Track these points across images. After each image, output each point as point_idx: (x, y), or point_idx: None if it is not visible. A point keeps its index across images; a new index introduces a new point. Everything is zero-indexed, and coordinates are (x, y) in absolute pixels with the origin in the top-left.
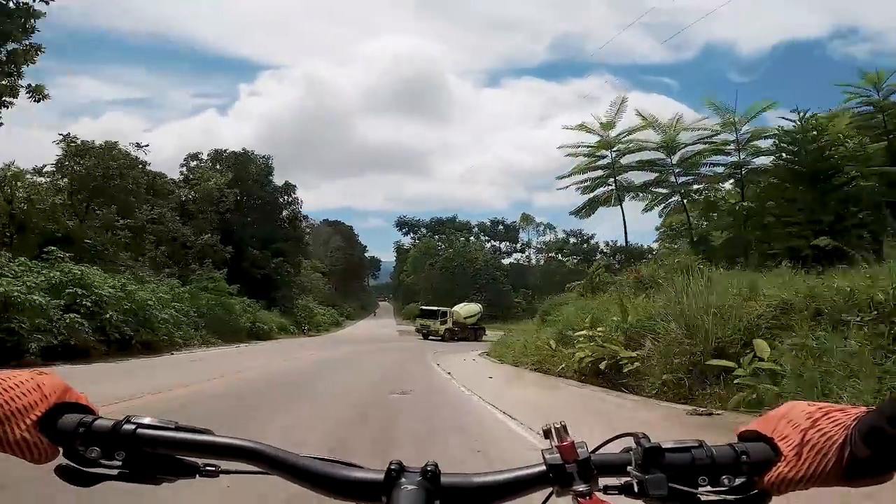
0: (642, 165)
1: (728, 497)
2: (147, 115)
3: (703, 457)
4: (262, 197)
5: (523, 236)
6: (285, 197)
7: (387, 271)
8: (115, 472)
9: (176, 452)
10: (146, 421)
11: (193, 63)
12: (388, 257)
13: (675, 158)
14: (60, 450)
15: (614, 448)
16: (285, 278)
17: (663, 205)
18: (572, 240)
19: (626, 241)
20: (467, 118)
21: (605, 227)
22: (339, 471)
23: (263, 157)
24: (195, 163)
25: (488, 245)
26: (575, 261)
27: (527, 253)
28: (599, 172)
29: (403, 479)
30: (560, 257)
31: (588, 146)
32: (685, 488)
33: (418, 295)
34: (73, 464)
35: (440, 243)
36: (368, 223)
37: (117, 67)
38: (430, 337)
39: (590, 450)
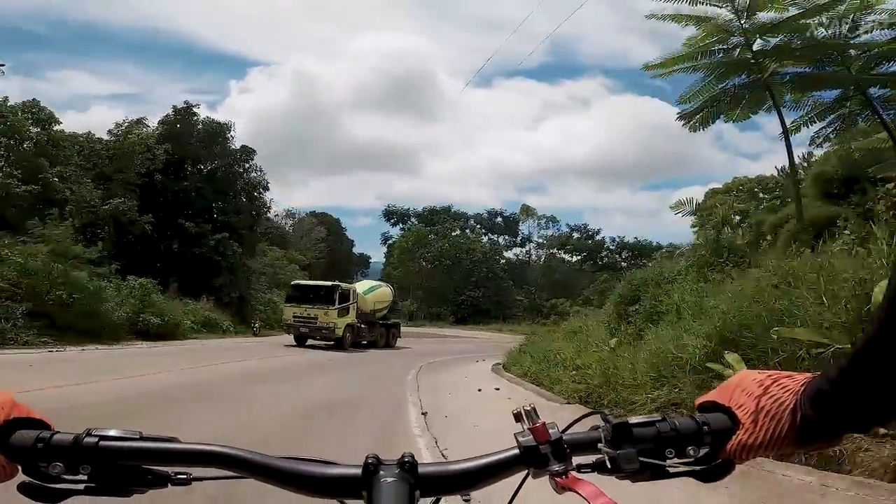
0: (804, 51)
1: (695, 467)
2: (136, 110)
3: (668, 430)
4: (210, 161)
5: (523, 230)
6: (243, 164)
7: (377, 271)
8: (81, 486)
9: (144, 462)
10: (109, 433)
11: (184, 58)
12: (379, 257)
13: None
14: (19, 467)
15: (583, 427)
16: (230, 261)
17: (828, 120)
18: (576, 235)
19: (793, 168)
20: (457, 118)
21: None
22: (315, 469)
23: (217, 122)
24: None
25: (485, 239)
26: (578, 257)
27: (527, 248)
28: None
29: (382, 472)
30: (562, 254)
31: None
32: (655, 461)
33: (407, 292)
34: (35, 481)
35: (432, 234)
36: (358, 222)
37: (107, 61)
38: (317, 340)
39: (561, 430)
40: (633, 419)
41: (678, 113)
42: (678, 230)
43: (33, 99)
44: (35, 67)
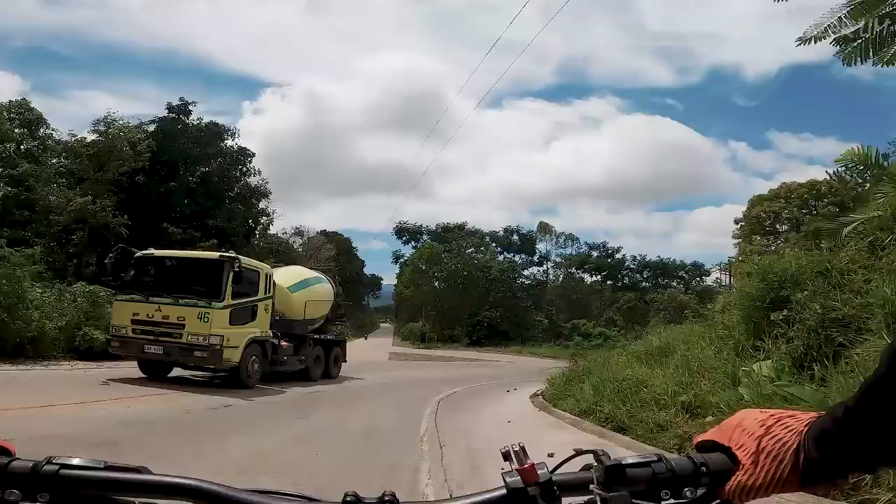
0: None
1: None
2: None
3: (664, 470)
4: (204, 164)
5: (541, 248)
6: (240, 168)
7: (389, 293)
8: None
9: (108, 493)
10: (71, 461)
11: (199, 79)
12: (391, 280)
13: None
14: None
15: (575, 467)
16: None
17: None
18: (595, 253)
19: None
20: (469, 139)
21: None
22: None
23: (215, 122)
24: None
25: (501, 257)
26: (598, 277)
27: (545, 266)
28: None
29: None
30: (581, 273)
31: None
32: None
33: (419, 313)
34: None
35: (446, 251)
36: (370, 245)
37: (126, 82)
38: (190, 368)
39: (550, 470)
40: (628, 459)
41: (833, 37)
42: (696, 252)
43: (22, 98)
44: (58, 87)
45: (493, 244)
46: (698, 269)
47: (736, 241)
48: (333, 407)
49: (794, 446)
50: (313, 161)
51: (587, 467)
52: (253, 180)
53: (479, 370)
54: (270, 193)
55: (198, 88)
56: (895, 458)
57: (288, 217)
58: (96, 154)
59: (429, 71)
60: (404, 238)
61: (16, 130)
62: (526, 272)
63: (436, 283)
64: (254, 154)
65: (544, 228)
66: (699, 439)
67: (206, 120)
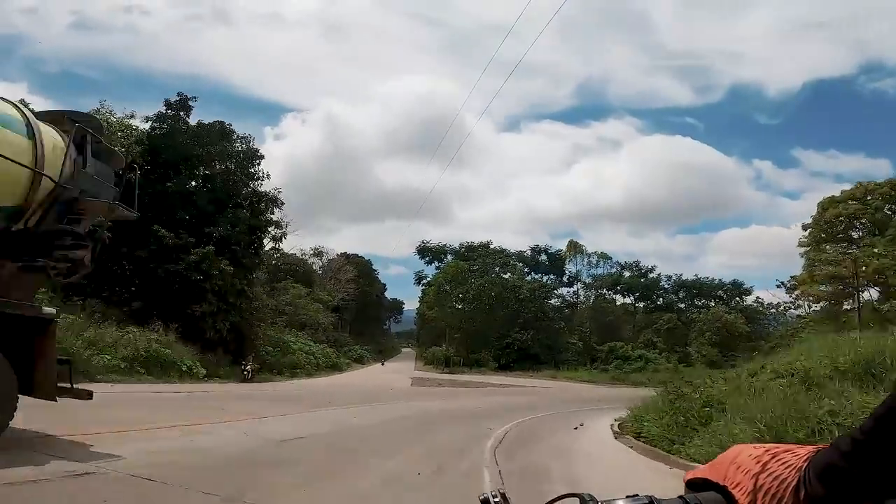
0: None
1: None
2: None
3: None
4: (206, 164)
5: (570, 268)
6: (247, 170)
7: (410, 318)
8: None
9: None
10: None
11: (222, 104)
12: (412, 304)
13: None
14: None
15: None
16: (217, 283)
17: None
18: (627, 273)
19: None
20: (487, 163)
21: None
22: None
23: (220, 121)
24: None
25: (528, 277)
26: (630, 298)
27: (575, 287)
28: None
29: None
30: (612, 294)
31: None
32: None
33: (442, 337)
34: None
35: (472, 269)
36: (390, 270)
37: (153, 106)
38: None
39: None
40: (618, 501)
41: None
42: (722, 275)
43: (21, 100)
44: (86, 110)
45: (520, 264)
46: (738, 288)
47: (803, 249)
48: (314, 473)
49: (794, 483)
50: (333, 186)
51: None
52: (263, 187)
53: (517, 398)
54: (283, 204)
55: (222, 113)
56: None
57: (307, 241)
58: None
59: (445, 94)
60: (427, 258)
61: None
62: (555, 293)
63: (461, 305)
64: (262, 156)
65: (574, 248)
66: (690, 476)
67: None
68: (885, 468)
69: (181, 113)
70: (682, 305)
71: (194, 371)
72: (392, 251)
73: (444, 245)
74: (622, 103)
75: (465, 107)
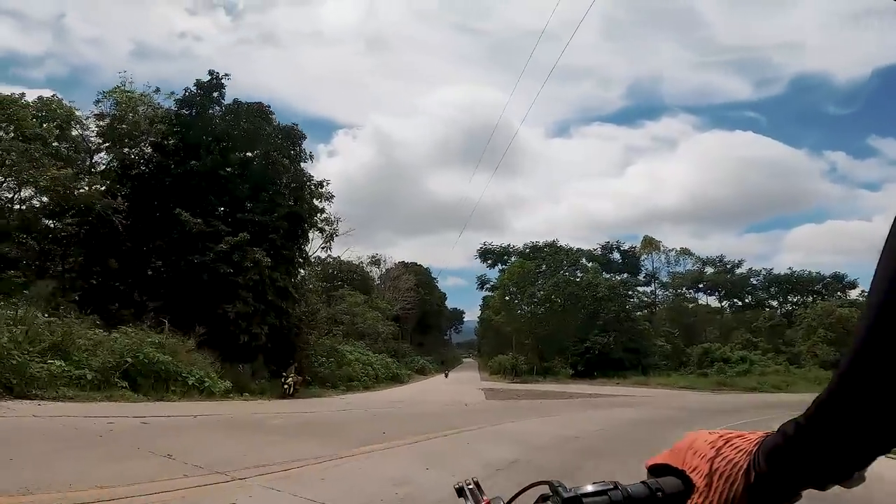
0: None
1: None
2: None
3: (620, 498)
4: (240, 146)
5: (646, 265)
6: (289, 151)
7: (470, 329)
8: None
9: None
10: None
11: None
12: (473, 315)
13: None
14: None
15: (531, 497)
16: (251, 277)
17: None
18: (709, 270)
19: None
20: (539, 170)
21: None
22: None
23: (258, 103)
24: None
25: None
26: (715, 297)
27: (652, 287)
28: None
29: None
30: (693, 293)
31: None
32: None
33: (507, 344)
34: None
35: (542, 265)
36: (448, 281)
37: None
38: None
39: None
40: (586, 488)
41: None
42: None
43: (52, 95)
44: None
45: (591, 263)
46: (840, 282)
47: None
48: None
49: (745, 466)
50: (387, 200)
51: (543, 498)
52: (305, 169)
53: (630, 412)
54: (332, 196)
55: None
56: (844, 475)
57: (365, 251)
58: (108, 128)
59: (491, 102)
60: (489, 261)
61: (43, 125)
62: (637, 290)
63: (530, 307)
64: (305, 136)
65: (650, 244)
66: (651, 462)
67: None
68: (826, 453)
69: (214, 93)
70: (775, 303)
71: (208, 385)
72: (448, 262)
73: (507, 246)
74: (676, 101)
75: (512, 114)
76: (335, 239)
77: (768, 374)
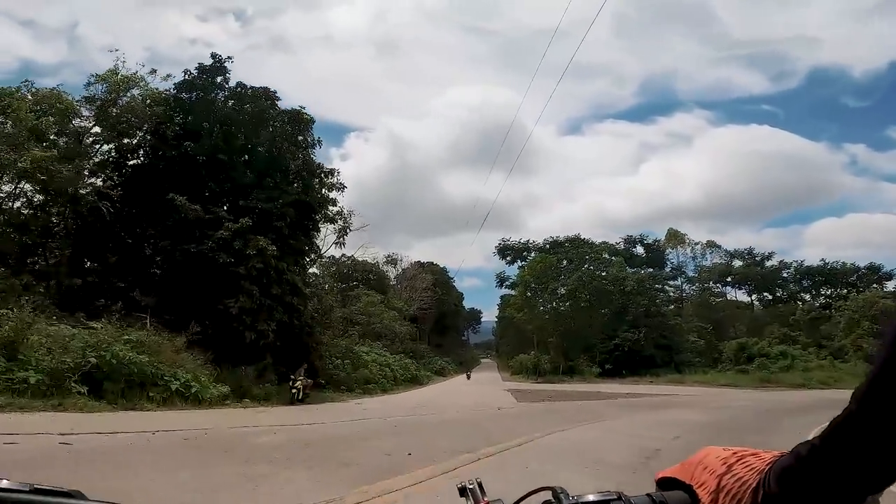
0: None
1: None
2: None
3: None
4: (243, 131)
5: (671, 260)
6: (297, 136)
7: (488, 329)
8: None
9: None
10: None
11: None
12: (490, 316)
13: None
14: None
15: (535, 502)
16: (255, 266)
17: None
18: (737, 263)
19: None
20: (552, 168)
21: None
22: None
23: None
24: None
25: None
26: (744, 291)
27: (678, 280)
28: None
29: None
30: (719, 287)
31: None
32: None
33: (528, 343)
34: None
35: (564, 260)
36: (464, 282)
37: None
38: None
39: None
40: (588, 497)
41: None
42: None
43: (54, 88)
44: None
45: (614, 258)
46: (877, 273)
47: None
48: None
49: (754, 485)
50: (401, 202)
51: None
52: (314, 156)
53: (708, 416)
54: (344, 187)
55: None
56: (857, 499)
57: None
58: (99, 110)
59: (503, 102)
60: (508, 257)
61: (41, 119)
62: (668, 283)
63: (553, 303)
64: (313, 119)
65: (674, 237)
66: (660, 475)
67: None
68: (840, 476)
69: (217, 78)
70: (807, 296)
71: (195, 390)
72: (464, 263)
73: (527, 242)
74: (690, 97)
75: (524, 113)
76: (349, 234)
77: (812, 369)
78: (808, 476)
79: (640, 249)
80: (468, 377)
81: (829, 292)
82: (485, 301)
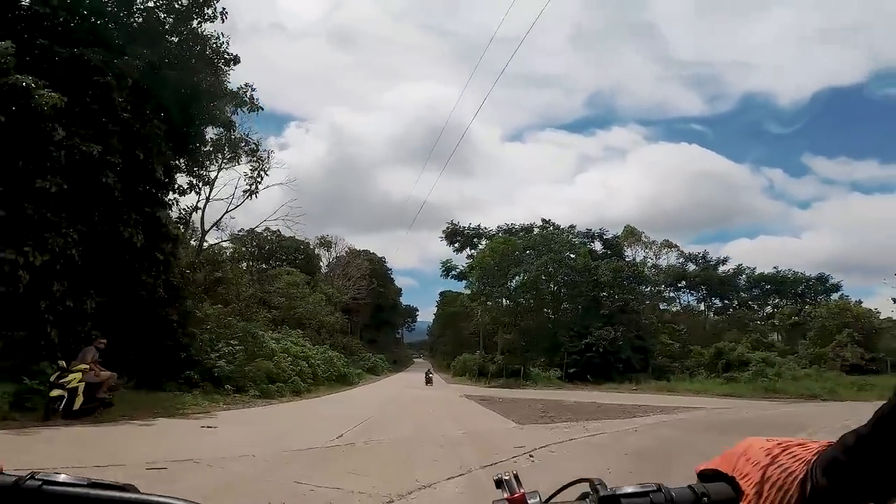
0: None
1: None
2: None
3: (662, 501)
4: None
5: (628, 257)
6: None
7: (422, 329)
8: None
9: None
10: (56, 477)
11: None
12: (425, 315)
13: None
14: None
15: (570, 495)
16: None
17: None
18: (691, 266)
19: None
20: (493, 172)
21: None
22: None
23: None
24: None
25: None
26: (695, 297)
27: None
28: None
29: None
30: (670, 292)
31: None
32: None
33: (472, 340)
34: None
35: (528, 250)
36: (399, 282)
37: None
38: None
39: (543, 499)
40: (626, 489)
41: None
42: None
43: None
44: None
45: (577, 241)
46: (824, 283)
47: None
48: None
49: (801, 476)
50: (338, 196)
51: (583, 496)
52: (211, 30)
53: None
54: (253, 89)
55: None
56: None
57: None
58: None
59: (451, 103)
60: (457, 243)
61: None
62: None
63: (513, 294)
64: None
65: (631, 233)
66: (702, 467)
67: None
68: (888, 466)
69: None
70: (756, 305)
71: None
72: (397, 261)
73: (479, 226)
74: (630, 113)
75: (471, 114)
76: (264, 181)
77: (799, 378)
78: (857, 466)
79: (598, 245)
80: (429, 381)
81: (775, 301)
82: (419, 301)
